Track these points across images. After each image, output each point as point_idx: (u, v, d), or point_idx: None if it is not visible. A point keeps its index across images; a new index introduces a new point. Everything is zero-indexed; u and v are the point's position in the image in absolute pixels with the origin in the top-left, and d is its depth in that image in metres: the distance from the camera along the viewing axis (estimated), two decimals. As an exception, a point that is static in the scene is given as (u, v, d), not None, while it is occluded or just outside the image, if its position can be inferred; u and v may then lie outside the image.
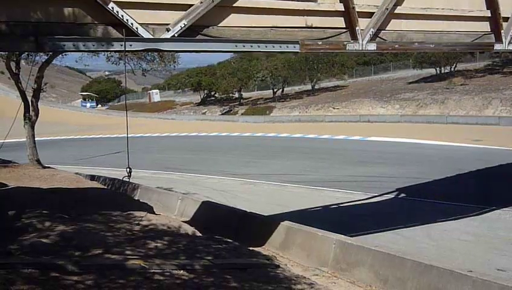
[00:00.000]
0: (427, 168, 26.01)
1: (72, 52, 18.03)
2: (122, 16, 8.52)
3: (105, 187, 20.28)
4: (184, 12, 9.08)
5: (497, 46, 13.02)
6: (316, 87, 71.07)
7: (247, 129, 53.39)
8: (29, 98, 24.00)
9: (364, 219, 17.64)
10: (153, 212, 14.03)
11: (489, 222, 16.55)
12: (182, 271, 7.93)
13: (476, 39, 12.77)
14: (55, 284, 6.66)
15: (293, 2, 10.40)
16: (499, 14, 12.54)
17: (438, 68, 60.40)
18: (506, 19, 12.75)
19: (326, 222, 15.06)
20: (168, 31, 8.97)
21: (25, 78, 24.13)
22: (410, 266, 9.23)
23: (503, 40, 12.78)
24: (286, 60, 67.53)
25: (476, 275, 8.30)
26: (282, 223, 12.60)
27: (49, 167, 23.99)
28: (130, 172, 10.44)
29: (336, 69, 68.58)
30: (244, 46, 10.13)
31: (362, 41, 10.97)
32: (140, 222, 11.17)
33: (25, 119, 23.87)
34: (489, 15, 12.62)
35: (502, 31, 12.69)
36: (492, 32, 12.82)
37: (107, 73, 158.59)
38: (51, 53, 22.06)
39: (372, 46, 11.24)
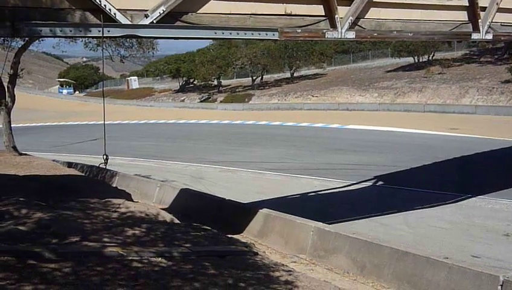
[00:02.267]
0: (404, 156, 26.22)
1: (49, 38, 17.91)
2: (100, 1, 8.44)
3: (83, 174, 20.16)
4: (163, -2, 9.02)
5: (475, 36, 13.13)
6: (295, 75, 71.08)
7: (226, 117, 53.32)
8: (6, 84, 23.70)
9: (342, 206, 17.76)
10: (131, 200, 13.98)
11: (465, 210, 16.76)
12: (160, 258, 7.91)
13: (453, 28, 12.87)
14: (32, 272, 6.61)
15: (273, -11, 10.39)
16: (477, 3, 12.65)
17: (415, 57, 60.69)
18: (483, 9, 12.86)
19: (304, 209, 15.14)
20: (146, 17, 8.91)
21: (0, 64, 23.84)
22: (387, 253, 9.32)
23: (481, 29, 12.89)
24: (265, 47, 67.37)
25: (451, 262, 8.40)
26: (260, 210, 12.63)
27: (25, 154, 23.77)
28: (106, 159, 10.40)
29: (315, 57, 68.58)
30: (223, 33, 10.10)
31: (341, 29, 10.99)
32: (118, 209, 11.12)
33: (1, 106, 23.58)
34: (467, 4, 12.72)
35: (480, 21, 12.79)
36: (470, 21, 12.93)
37: (84, 59, 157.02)
38: (27, 38, 21.81)
39: (351, 35, 11.27)
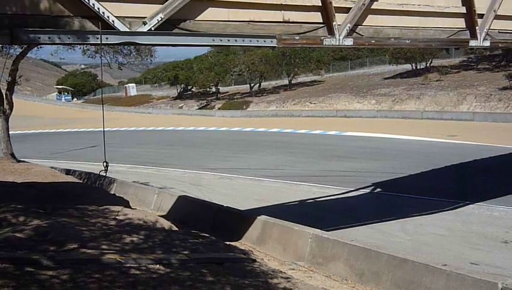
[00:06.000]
0: (402, 163, 26.23)
1: (47, 45, 17.91)
2: (98, 8, 8.45)
3: (81, 181, 20.14)
4: (161, 5, 9.04)
5: (472, 43, 13.16)
6: (293, 82, 71.17)
7: (224, 124, 53.35)
8: (4, 91, 23.70)
9: (341, 213, 17.76)
10: (129, 207, 13.96)
11: (464, 217, 16.75)
12: (158, 265, 7.91)
13: (451, 35, 12.90)
14: (30, 279, 6.60)
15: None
16: (474, 11, 12.69)
17: (413, 64, 60.78)
18: (481, 16, 12.89)
19: (302, 216, 15.13)
20: (144, 25, 8.92)
21: (-1, 71, 23.86)
22: (386, 259, 9.31)
23: (478, 36, 12.93)
24: (263, 54, 67.50)
25: (450, 269, 8.40)
26: (258, 217, 12.61)
27: (23, 161, 23.75)
28: (106, 166, 10.38)
29: (312, 64, 68.72)
30: (221, 40, 10.10)
31: (339, 36, 11.01)
32: (117, 217, 11.11)
33: (-1, 113, 23.59)
34: (465, 11, 12.76)
35: (477, 28, 12.83)
36: (467, 28, 12.97)
37: (82, 66, 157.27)
38: (25, 46, 21.83)
39: (349, 42, 11.29)
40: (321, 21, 10.99)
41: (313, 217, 15.88)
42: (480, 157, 26.08)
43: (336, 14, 10.90)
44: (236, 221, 13.19)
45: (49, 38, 8.47)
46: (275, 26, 10.47)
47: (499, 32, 13.58)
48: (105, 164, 10.27)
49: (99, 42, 8.84)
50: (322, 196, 20.04)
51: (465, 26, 12.94)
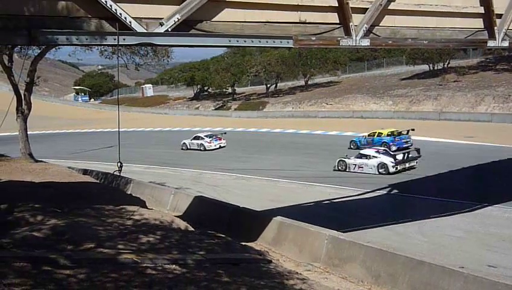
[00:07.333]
0: (419, 164, 26.07)
1: (65, 46, 18.00)
2: (115, 9, 8.49)
3: (98, 181, 20.24)
4: (178, 6, 9.06)
5: (491, 43, 13.05)
6: (309, 82, 70.94)
7: (240, 124, 53.38)
8: (22, 92, 23.89)
9: (357, 214, 17.71)
10: (146, 207, 14.01)
11: (481, 219, 16.62)
12: (174, 266, 7.92)
13: (469, 36, 12.80)
14: (47, 278, 6.64)
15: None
16: (493, 11, 12.57)
17: (431, 64, 60.34)
18: (499, 16, 12.77)
19: (318, 217, 15.11)
20: (161, 25, 8.95)
21: (17, 71, 24.03)
22: (402, 261, 9.26)
23: (497, 36, 12.81)
24: (279, 55, 67.38)
25: (467, 272, 8.34)
26: (274, 218, 12.60)
27: (41, 161, 23.91)
28: (120, 166, 10.44)
29: (329, 64, 68.46)
30: (237, 41, 10.12)
31: (356, 37, 10.97)
32: (133, 217, 11.15)
33: (17, 113, 23.76)
34: (483, 12, 12.65)
35: (496, 28, 12.72)
36: (485, 28, 12.85)
37: (100, 67, 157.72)
38: (43, 47, 21.98)
39: (366, 42, 11.24)
40: (338, 22, 10.96)
41: (328, 218, 15.85)
42: (498, 159, 25.86)
43: (352, 14, 10.87)
44: (252, 222, 13.19)
45: (66, 39, 8.53)
46: (292, 27, 10.46)
47: (517, 32, 13.44)
48: (119, 164, 10.32)
49: (116, 43, 8.89)
50: (338, 197, 20.00)
51: (483, 26, 12.83)
